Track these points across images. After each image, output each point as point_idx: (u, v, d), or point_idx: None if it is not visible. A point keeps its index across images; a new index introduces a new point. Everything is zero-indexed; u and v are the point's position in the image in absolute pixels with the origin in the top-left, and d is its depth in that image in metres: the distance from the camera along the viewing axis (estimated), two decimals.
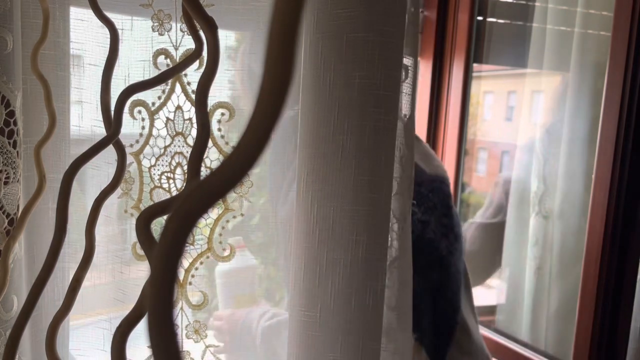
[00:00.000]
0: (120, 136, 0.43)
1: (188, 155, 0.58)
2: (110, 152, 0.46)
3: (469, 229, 1.52)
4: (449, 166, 1.62)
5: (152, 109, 0.59)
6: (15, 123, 0.51)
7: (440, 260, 0.85)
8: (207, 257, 0.61)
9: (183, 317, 0.61)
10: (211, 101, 0.58)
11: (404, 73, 0.53)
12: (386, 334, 0.56)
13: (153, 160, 0.60)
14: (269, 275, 0.68)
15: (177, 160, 0.59)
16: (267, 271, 0.67)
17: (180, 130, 0.59)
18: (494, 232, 1.53)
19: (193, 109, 0.58)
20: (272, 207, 0.62)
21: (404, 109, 0.56)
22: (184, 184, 0.58)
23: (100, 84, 0.44)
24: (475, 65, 1.64)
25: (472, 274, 0.99)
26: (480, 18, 1.62)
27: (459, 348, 0.87)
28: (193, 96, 0.58)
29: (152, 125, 0.59)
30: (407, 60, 0.54)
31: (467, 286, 0.95)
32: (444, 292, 0.86)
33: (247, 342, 0.68)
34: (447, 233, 0.86)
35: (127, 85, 0.42)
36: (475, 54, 1.62)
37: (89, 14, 0.56)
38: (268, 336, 0.67)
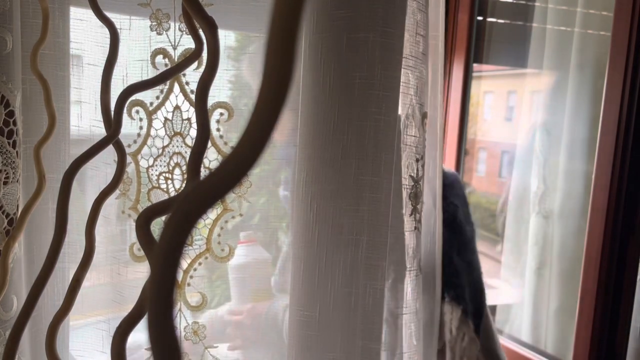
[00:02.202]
0: (119, 136, 0.42)
1: (186, 155, 0.58)
2: (107, 152, 0.46)
3: None
4: (449, 166, 1.62)
5: (150, 109, 0.59)
6: (14, 123, 0.51)
7: (468, 243, 0.94)
8: (206, 258, 0.60)
9: (182, 318, 0.61)
10: (210, 101, 0.58)
11: (404, 73, 0.52)
12: (408, 341, 0.57)
13: (151, 161, 0.59)
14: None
15: (175, 161, 0.59)
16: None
17: (178, 131, 0.59)
18: None
19: (192, 109, 0.58)
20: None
21: (404, 109, 0.56)
22: (183, 185, 0.58)
23: (99, 84, 0.44)
24: (475, 65, 1.64)
25: None
26: (480, 18, 1.62)
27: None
28: (192, 96, 0.58)
29: (150, 126, 0.59)
30: (406, 61, 0.54)
31: None
32: (474, 273, 0.94)
33: (273, 336, 0.66)
34: (469, 220, 0.96)
35: (125, 84, 0.42)
36: (475, 54, 1.62)
37: (88, 13, 0.56)
38: None
